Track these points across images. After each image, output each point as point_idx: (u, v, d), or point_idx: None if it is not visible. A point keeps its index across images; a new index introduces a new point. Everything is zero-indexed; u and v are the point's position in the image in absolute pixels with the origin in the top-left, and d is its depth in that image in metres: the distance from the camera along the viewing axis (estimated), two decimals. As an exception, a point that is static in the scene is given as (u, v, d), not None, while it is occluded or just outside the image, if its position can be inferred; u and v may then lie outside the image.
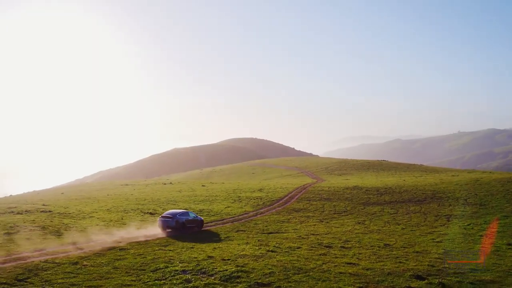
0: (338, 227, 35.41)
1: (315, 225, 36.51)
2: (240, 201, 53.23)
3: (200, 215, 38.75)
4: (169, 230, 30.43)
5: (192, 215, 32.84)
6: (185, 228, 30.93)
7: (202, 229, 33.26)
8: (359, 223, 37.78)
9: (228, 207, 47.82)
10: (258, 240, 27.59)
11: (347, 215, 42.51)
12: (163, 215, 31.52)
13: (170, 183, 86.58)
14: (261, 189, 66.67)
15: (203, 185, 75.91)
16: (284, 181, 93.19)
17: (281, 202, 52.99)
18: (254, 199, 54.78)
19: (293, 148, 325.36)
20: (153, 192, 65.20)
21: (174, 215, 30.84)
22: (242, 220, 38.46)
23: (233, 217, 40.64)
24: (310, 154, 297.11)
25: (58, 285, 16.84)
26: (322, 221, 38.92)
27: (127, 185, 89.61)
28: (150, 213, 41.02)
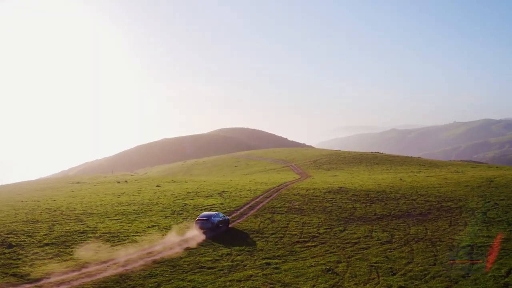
0: (286, 286, 20.32)
1: (251, 277, 21.46)
2: (180, 214, 38.33)
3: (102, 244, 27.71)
4: (204, 231, 30.95)
5: (221, 215, 33.49)
6: (218, 228, 31.86)
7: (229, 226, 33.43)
8: (328, 270, 22.60)
9: (153, 226, 32.94)
10: None
11: (315, 246, 27.30)
12: (199, 218, 32.14)
13: (126, 181, 71.65)
14: (223, 191, 51.85)
15: (157, 185, 61.01)
16: (263, 177, 78.33)
17: (234, 215, 38.06)
18: (201, 211, 39.90)
19: (286, 138, 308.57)
20: (85, 197, 50.18)
21: (209, 217, 31.79)
22: (128, 267, 22.93)
23: (130, 254, 25.34)
24: (303, 145, 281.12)
25: None
26: (269, 264, 23.67)
27: (78, 183, 74.97)
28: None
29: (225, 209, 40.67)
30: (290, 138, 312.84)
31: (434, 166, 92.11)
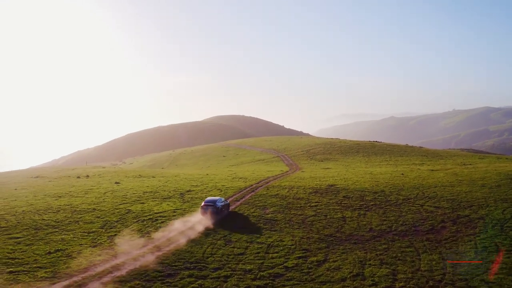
0: None
1: None
2: (111, 228, 28.34)
3: None
4: (209, 214, 30.64)
5: (222, 200, 33.08)
6: (221, 212, 31.76)
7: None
8: None
9: (56, 251, 22.95)
10: None
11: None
12: (205, 203, 31.83)
13: (87, 176, 61.68)
14: (189, 191, 42.24)
15: (116, 182, 51.09)
16: (247, 170, 68.47)
17: (182, 230, 28.12)
18: (142, 222, 30.00)
19: (283, 126, 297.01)
20: (17, 198, 40.06)
21: (214, 202, 31.69)
22: None
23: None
24: (300, 133, 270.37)
25: None
26: None
27: (37, 177, 64.97)
28: None
29: (176, 218, 30.85)
30: (287, 126, 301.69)
31: (437, 157, 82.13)
